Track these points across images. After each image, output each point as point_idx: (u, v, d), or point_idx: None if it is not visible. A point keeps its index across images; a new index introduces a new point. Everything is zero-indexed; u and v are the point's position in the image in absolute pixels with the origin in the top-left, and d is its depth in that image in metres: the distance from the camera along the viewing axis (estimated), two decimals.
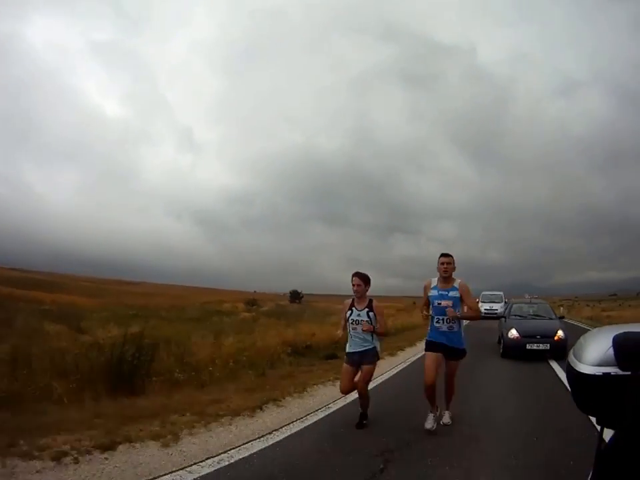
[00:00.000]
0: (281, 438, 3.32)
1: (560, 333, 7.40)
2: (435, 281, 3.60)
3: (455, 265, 3.63)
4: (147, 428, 3.25)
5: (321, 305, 28.93)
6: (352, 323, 3.55)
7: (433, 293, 3.55)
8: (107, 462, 2.69)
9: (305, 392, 4.72)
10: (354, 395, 3.78)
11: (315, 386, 4.98)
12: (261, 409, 4.02)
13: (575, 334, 5.85)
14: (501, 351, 8.08)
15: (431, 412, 3.50)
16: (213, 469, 2.70)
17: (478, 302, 14.01)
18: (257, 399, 4.27)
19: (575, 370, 0.84)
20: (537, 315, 9.01)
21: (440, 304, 3.48)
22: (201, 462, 2.79)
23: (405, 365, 6.88)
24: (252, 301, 23.68)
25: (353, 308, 3.59)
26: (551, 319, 8.74)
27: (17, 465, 2.52)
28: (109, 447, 2.84)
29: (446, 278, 3.55)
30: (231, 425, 3.56)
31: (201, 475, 2.61)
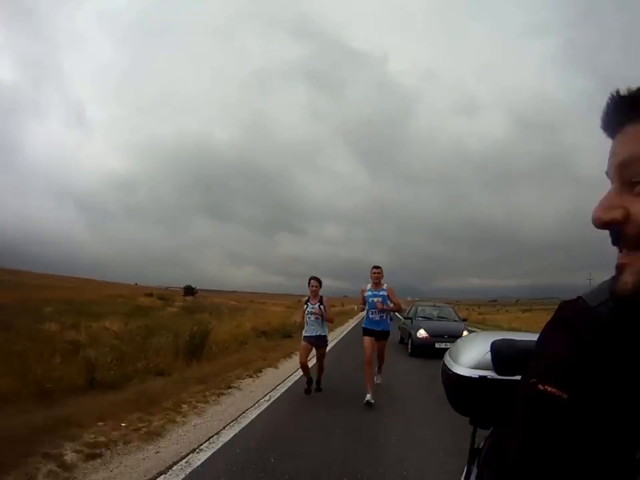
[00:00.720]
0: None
1: (465, 333, 7.83)
2: (369, 286, 4.89)
3: (383, 274, 4.87)
4: (256, 366, 6.64)
5: (217, 300, 30.43)
6: (308, 314, 4.91)
7: (369, 293, 4.84)
8: (262, 378, 6.13)
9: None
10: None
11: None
12: (290, 356, 7.83)
13: None
14: (410, 350, 8.77)
15: (368, 393, 4.57)
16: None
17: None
18: (282, 354, 8.00)
19: (451, 371, 0.85)
20: (442, 317, 9.85)
21: (373, 300, 4.80)
22: (297, 371, 6.56)
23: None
24: (163, 297, 23.91)
25: (309, 303, 4.94)
26: (455, 320, 9.69)
27: (237, 385, 5.67)
28: (259, 371, 6.25)
29: (377, 283, 4.83)
30: (287, 362, 7.30)
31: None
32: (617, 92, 0.45)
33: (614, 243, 0.45)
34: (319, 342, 4.97)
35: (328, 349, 5.54)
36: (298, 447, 3.35)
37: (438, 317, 9.90)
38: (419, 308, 10.48)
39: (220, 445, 3.37)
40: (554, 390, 0.46)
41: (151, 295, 23.65)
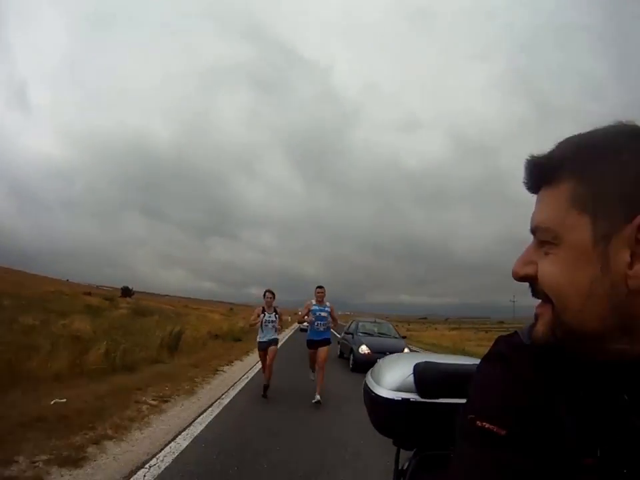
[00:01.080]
0: None
1: (407, 350, 8.40)
2: (314, 302, 5.75)
3: (325, 294, 5.76)
4: (226, 359, 9.09)
5: (152, 303, 30.26)
6: (266, 322, 5.82)
7: (315, 308, 5.73)
8: (235, 366, 8.65)
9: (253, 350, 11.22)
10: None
11: (253, 349, 11.48)
12: (248, 354, 10.36)
13: None
14: (351, 365, 8.95)
15: (313, 371, 6.07)
16: None
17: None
18: (241, 352, 10.50)
19: (373, 392, 0.86)
20: (382, 333, 10.10)
21: (321, 314, 5.74)
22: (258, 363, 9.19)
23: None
24: (107, 297, 23.53)
25: (265, 312, 5.82)
26: (395, 337, 9.99)
27: (222, 369, 8.14)
28: (231, 362, 8.73)
29: (320, 301, 5.73)
30: (248, 357, 9.85)
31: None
32: (528, 158, 0.47)
33: (532, 294, 0.48)
34: (271, 343, 5.97)
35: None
36: (272, 395, 6.13)
37: (378, 333, 10.12)
38: (360, 324, 10.69)
39: (232, 396, 5.97)
40: (492, 426, 0.46)
41: (89, 294, 23.26)
